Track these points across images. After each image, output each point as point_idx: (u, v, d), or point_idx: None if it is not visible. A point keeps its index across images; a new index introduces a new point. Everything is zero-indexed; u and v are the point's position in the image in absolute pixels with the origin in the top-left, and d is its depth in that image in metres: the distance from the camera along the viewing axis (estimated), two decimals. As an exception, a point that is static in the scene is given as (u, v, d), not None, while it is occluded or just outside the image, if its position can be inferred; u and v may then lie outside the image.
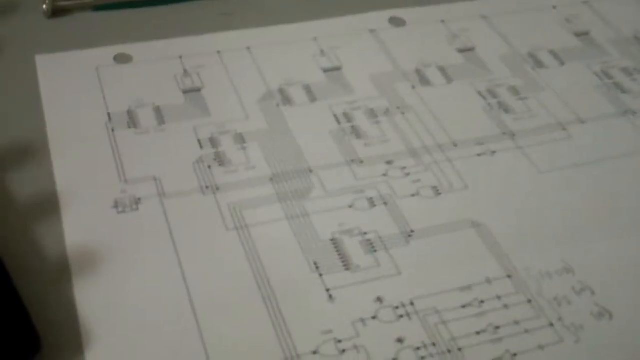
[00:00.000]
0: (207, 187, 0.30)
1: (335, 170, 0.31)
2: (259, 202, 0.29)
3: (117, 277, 0.26)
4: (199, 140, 0.32)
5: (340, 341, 0.25)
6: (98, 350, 0.24)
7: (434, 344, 0.25)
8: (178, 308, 0.25)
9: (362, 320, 0.25)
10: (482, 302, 0.26)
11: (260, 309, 0.26)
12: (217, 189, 0.30)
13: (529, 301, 0.26)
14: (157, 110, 0.33)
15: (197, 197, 0.29)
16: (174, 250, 0.27)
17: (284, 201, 0.29)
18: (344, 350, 0.25)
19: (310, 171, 0.31)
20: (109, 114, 0.32)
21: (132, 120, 0.32)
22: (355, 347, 0.25)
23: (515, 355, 0.25)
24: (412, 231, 0.28)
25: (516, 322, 0.26)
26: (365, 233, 0.28)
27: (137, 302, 0.26)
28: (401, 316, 0.26)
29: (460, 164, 0.31)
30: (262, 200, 0.29)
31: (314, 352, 0.25)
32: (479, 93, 0.35)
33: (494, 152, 0.32)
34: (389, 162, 0.31)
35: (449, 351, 0.25)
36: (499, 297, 0.26)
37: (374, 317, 0.26)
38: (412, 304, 0.26)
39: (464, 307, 0.26)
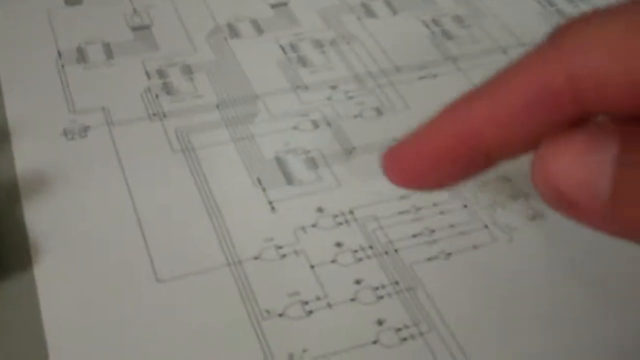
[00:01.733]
0: (154, 115, 0.30)
1: (281, 96, 0.32)
2: (205, 127, 0.30)
3: (66, 198, 0.27)
4: (146, 72, 0.32)
5: (280, 247, 0.26)
6: (46, 264, 0.25)
7: (371, 247, 0.26)
8: (125, 224, 0.26)
9: (303, 228, 0.26)
10: (419, 209, 0.27)
11: (205, 221, 0.27)
12: (164, 115, 0.30)
13: (465, 206, 0.27)
14: (107, 47, 0.33)
15: (145, 124, 0.30)
16: (121, 172, 0.28)
17: (230, 125, 0.30)
18: (284, 255, 0.26)
19: (257, 97, 0.31)
20: (58, 52, 0.33)
21: (81, 56, 0.33)
22: (295, 252, 0.26)
23: (449, 254, 0.26)
24: (354, 148, 0.29)
25: (451, 226, 0.27)
26: (308, 151, 0.29)
27: (85, 220, 0.26)
28: (340, 224, 0.27)
29: (402, 87, 0.32)
30: (208, 125, 0.30)
31: (255, 258, 0.25)
32: (424, 22, 0.36)
33: (435, 76, 0.33)
34: (333, 87, 0.32)
35: (386, 252, 0.26)
36: (435, 204, 0.27)
37: (313, 225, 0.27)
38: (351, 212, 0.27)
39: (401, 213, 0.27)
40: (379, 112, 0.31)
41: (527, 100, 0.18)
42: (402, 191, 0.28)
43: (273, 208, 0.27)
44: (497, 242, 0.26)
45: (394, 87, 0.32)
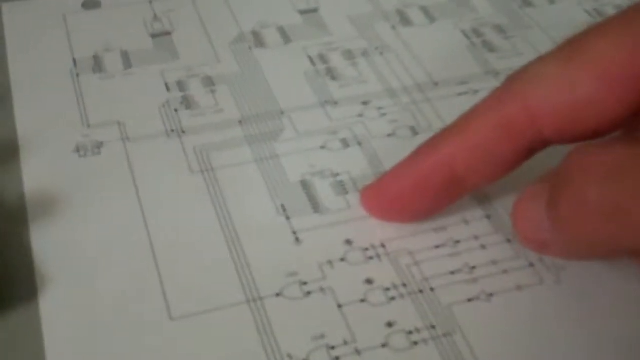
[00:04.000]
0: (172, 131, 0.28)
1: (308, 112, 0.29)
2: (226, 145, 0.28)
3: (76, 221, 0.25)
4: (166, 84, 0.30)
5: (305, 283, 0.24)
6: (52, 294, 0.23)
7: (404, 285, 0.24)
8: (137, 252, 0.24)
9: (330, 263, 0.24)
10: (458, 242, 0.25)
11: (223, 252, 0.24)
12: (183, 132, 0.28)
13: (509, 241, 0.25)
14: (125, 55, 0.31)
15: (162, 140, 0.28)
16: (135, 193, 0.26)
17: (253, 144, 0.28)
18: (309, 293, 0.23)
19: (282, 113, 0.29)
20: (74, 60, 0.31)
21: (97, 65, 0.31)
22: (322, 289, 0.23)
23: (491, 295, 0.23)
24: (386, 171, 0.27)
25: (493, 262, 0.24)
26: (336, 174, 0.27)
27: (95, 246, 0.25)
28: (371, 258, 0.24)
29: (440, 104, 0.30)
30: (230, 143, 0.28)
31: (278, 295, 0.23)
32: (463, 32, 0.33)
33: (476, 92, 0.30)
34: (365, 103, 0.30)
35: (421, 291, 0.23)
36: (476, 237, 0.25)
37: (342, 260, 0.24)
38: (382, 246, 0.25)
39: (437, 247, 0.25)
40: (414, 131, 0.29)
41: (491, 128, 0.22)
42: (439, 222, 0.25)
43: (297, 239, 0.25)
44: (544, 283, 0.24)
45: (430, 104, 0.30)
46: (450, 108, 0.30)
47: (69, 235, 0.25)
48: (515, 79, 0.23)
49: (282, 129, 0.29)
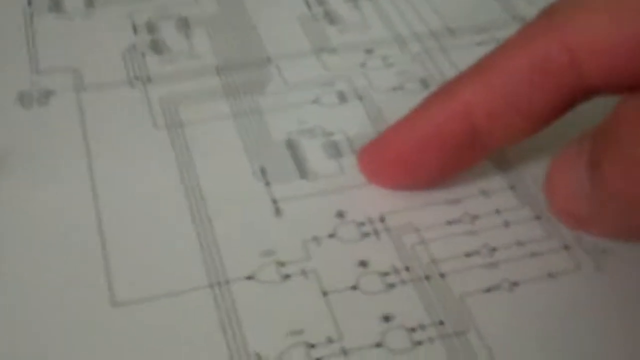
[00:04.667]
0: (136, 78, 0.24)
1: (300, 60, 0.25)
2: (200, 97, 0.23)
3: (14, 185, 0.21)
4: (133, 26, 0.26)
5: (283, 264, 0.19)
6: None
7: (407, 269, 0.19)
8: (82, 224, 0.20)
9: (316, 239, 0.20)
10: (475, 217, 0.20)
11: (185, 223, 0.20)
12: (149, 80, 0.24)
13: (538, 217, 0.20)
14: (87, -8, 0.27)
15: (123, 90, 0.23)
16: (85, 153, 0.22)
17: (232, 96, 0.23)
18: (287, 276, 0.19)
19: (269, 61, 0.25)
20: (28, -2, 0.27)
21: (54, 4, 0.26)
22: (304, 271, 0.19)
23: (515, 284, 0.19)
24: (390, 131, 0.22)
25: (519, 243, 0.20)
26: (330, 134, 0.22)
27: (34, 215, 0.20)
28: (367, 234, 0.20)
29: (456, 54, 0.25)
30: (204, 94, 0.23)
31: (248, 278, 0.19)
32: (487, -27, 0.28)
33: (499, 40, 0.25)
34: (368, 51, 0.25)
35: (427, 278, 0.19)
36: (497, 211, 0.20)
37: (331, 236, 0.20)
38: (382, 219, 0.20)
39: (450, 223, 0.20)
40: (424, 84, 0.24)
41: (522, 69, 0.18)
42: (452, 192, 0.21)
43: (278, 210, 0.20)
44: (581, 269, 0.19)
45: (445, 54, 0.25)
46: (468, 59, 0.25)
47: (5, 202, 0.20)
48: (552, 12, 0.18)
49: (267, 79, 0.24)
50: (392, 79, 0.24)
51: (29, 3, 0.26)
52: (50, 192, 0.21)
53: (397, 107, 0.23)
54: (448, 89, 0.19)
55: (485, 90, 0.18)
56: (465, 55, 0.25)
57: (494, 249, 0.19)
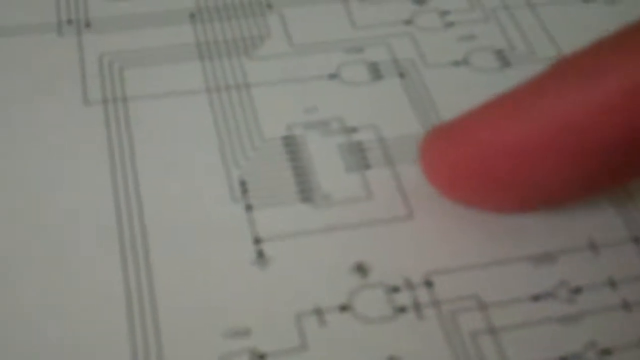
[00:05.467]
0: (69, 22, 0.16)
1: (318, 7, 0.17)
2: (159, 55, 0.15)
3: None
4: (76, -59, 0.18)
5: (262, 357, 0.12)
6: None
7: (464, 380, 0.11)
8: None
9: (319, 313, 0.12)
10: (577, 290, 0.13)
11: (115, 274, 0.12)
12: (87, 25, 0.16)
13: (678, 296, 0.12)
14: None
15: (49, 38, 0.16)
16: (-29, 135, 0.14)
17: (209, 58, 0.15)
18: (266, 382, 0.11)
19: (269, 7, 0.17)
20: None
21: None
22: (294, 373, 0.11)
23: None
24: (447, 131, 0.14)
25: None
26: (352, 130, 0.14)
27: None
28: (402, 309, 0.12)
29: (551, 12, 0.17)
30: (167, 51, 0.16)
31: (201, 382, 0.11)
32: None
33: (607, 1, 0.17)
34: (419, 1, 0.17)
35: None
36: (611, 283, 0.13)
37: (343, 308, 0.12)
38: (428, 284, 0.12)
39: (536, 299, 0.12)
40: (502, 59, 0.16)
41: None
42: (542, 239, 0.13)
43: (261, 254, 0.13)
44: None
45: (531, 11, 0.17)
46: (569, 23, 0.17)
47: None
48: None
49: (265, 34, 0.16)
50: (452, 46, 0.16)
51: None
52: None
53: (460, 94, 0.15)
54: (596, 58, 0.11)
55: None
56: (561, 15, 0.17)
57: (607, 352, 0.12)
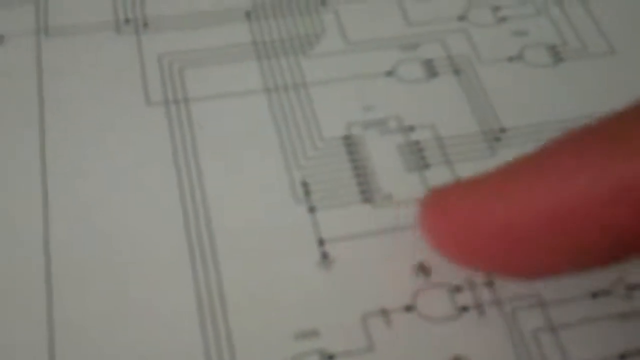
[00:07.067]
0: (126, 21, 0.16)
1: (372, 3, 0.17)
2: (217, 55, 0.16)
3: None
4: (130, -63, 0.18)
5: (331, 357, 0.12)
6: None
7: (528, 381, 0.12)
8: (26, 261, 0.13)
9: (385, 314, 0.12)
10: (635, 287, 0.13)
11: (185, 277, 0.13)
12: (145, 24, 0.16)
13: None
14: None
15: (107, 36, 0.16)
16: (38, 135, 0.14)
17: (266, 57, 0.16)
18: (336, 380, 0.12)
19: (324, 3, 0.17)
20: None
21: None
22: (363, 373, 0.12)
23: None
24: (503, 130, 0.15)
25: None
26: (410, 128, 0.15)
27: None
28: (465, 308, 0.12)
29: (602, 6, 0.17)
30: (224, 50, 0.16)
31: (273, 379, 0.12)
32: None
33: (667, -9, 0.17)
34: (470, -3, 0.17)
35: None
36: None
37: (408, 308, 0.12)
38: (489, 284, 0.13)
39: (595, 296, 0.13)
40: (555, 54, 0.16)
41: None
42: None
43: (325, 256, 0.13)
44: None
45: (584, 5, 0.17)
46: (620, 17, 0.17)
47: None
48: None
49: (321, 31, 0.16)
50: (506, 42, 0.16)
51: None
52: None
53: (515, 91, 0.15)
54: (610, 134, 0.11)
55: None
56: (615, 9, 0.17)
57: None
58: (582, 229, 0.11)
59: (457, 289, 0.13)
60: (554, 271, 0.12)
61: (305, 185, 0.14)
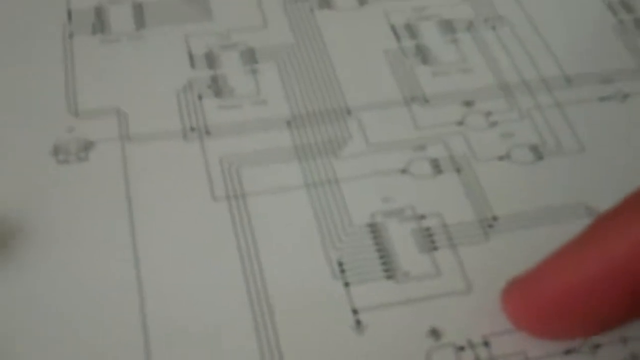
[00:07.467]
0: (192, 130, 0.20)
1: (387, 112, 0.21)
2: (266, 156, 0.20)
3: (42, 259, 0.17)
4: (190, 55, 0.22)
5: (366, 404, 0.16)
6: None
7: None
8: (124, 326, 0.17)
9: (405, 368, 0.16)
10: (597, 346, 0.16)
11: (247, 335, 0.16)
12: (208, 132, 0.20)
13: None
14: (137, 8, 0.23)
15: (176, 144, 0.20)
16: (128, 226, 0.18)
17: (305, 158, 0.20)
18: (371, 422, 0.15)
19: (349, 113, 0.21)
20: (69, 12, 0.23)
21: (99, 22, 0.23)
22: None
23: None
24: (495, 218, 0.18)
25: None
26: (421, 217, 0.19)
27: (61, 296, 0.17)
28: (468, 365, 0.16)
29: (574, 111, 0.21)
30: (271, 152, 0.20)
31: (322, 423, 0.15)
32: (608, 5, 0.24)
33: (626, 96, 0.21)
34: (467, 104, 0.21)
35: None
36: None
37: (424, 364, 0.16)
38: (485, 344, 0.16)
39: (568, 353, 0.16)
40: (536, 153, 0.20)
41: None
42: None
43: (359, 323, 0.17)
44: None
45: (561, 111, 0.21)
46: (589, 120, 0.21)
47: (30, 279, 0.17)
48: None
49: (347, 137, 0.20)
50: (496, 143, 0.20)
51: (70, 19, 0.23)
52: (85, 272, 0.17)
53: (504, 186, 0.19)
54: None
55: None
56: (585, 114, 0.21)
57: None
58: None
59: (461, 349, 0.16)
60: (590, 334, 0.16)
61: (340, 264, 0.18)
